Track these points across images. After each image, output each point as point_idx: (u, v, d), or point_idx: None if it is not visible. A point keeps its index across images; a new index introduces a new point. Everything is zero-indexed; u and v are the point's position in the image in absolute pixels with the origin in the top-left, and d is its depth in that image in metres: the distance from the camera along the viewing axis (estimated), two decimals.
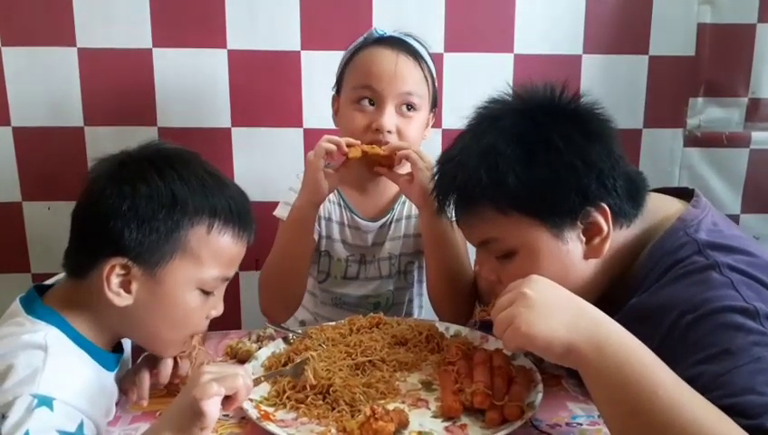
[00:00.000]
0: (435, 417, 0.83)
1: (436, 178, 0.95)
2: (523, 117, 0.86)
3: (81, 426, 0.71)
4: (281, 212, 1.22)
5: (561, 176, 0.82)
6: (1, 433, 0.65)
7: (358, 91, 1.17)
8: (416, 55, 1.19)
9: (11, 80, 1.47)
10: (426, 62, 1.21)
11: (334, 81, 1.27)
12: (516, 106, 0.90)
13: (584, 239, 0.85)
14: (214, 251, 0.81)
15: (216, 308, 0.86)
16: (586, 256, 0.85)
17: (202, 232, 0.80)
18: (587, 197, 0.82)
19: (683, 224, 0.85)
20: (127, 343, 0.93)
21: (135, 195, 0.77)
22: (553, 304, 0.72)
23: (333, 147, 1.08)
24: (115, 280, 0.77)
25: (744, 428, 0.61)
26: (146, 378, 0.87)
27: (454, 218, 0.99)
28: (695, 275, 0.78)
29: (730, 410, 0.63)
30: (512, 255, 0.86)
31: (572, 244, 0.84)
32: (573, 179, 0.82)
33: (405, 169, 1.14)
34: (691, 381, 0.65)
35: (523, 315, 0.70)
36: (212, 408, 0.66)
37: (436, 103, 1.26)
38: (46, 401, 0.69)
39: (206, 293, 0.83)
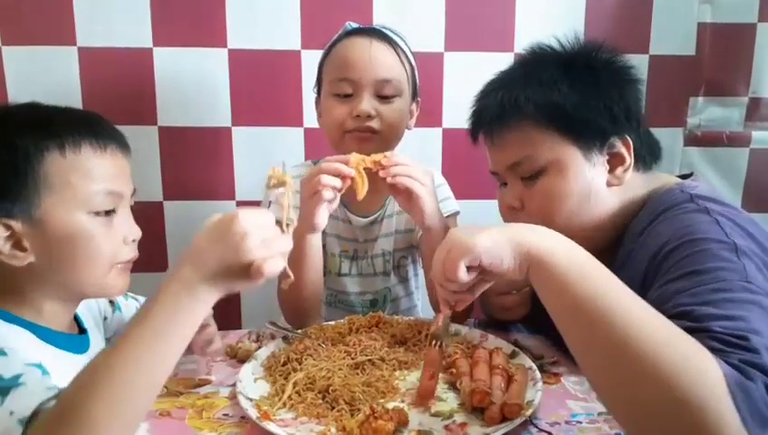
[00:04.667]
0: (434, 416, 0.83)
1: (476, 100, 0.99)
2: (572, 51, 0.95)
3: (17, 377, 0.66)
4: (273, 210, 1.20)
5: (598, 96, 0.90)
6: None
7: (335, 84, 1.17)
8: (389, 41, 1.19)
9: (11, 79, 1.48)
10: (401, 49, 1.20)
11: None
12: (564, 46, 0.96)
13: (608, 167, 0.91)
14: (79, 170, 0.77)
15: (131, 230, 0.82)
16: (609, 183, 0.92)
17: (56, 158, 0.76)
18: (616, 124, 0.90)
19: (680, 186, 0.91)
20: (96, 323, 0.92)
21: None
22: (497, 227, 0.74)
23: (332, 195, 1.00)
24: (4, 244, 0.74)
25: (688, 329, 0.61)
26: None
27: (457, 208, 1.03)
28: (684, 215, 0.82)
29: (680, 315, 0.64)
30: (540, 174, 0.92)
31: (597, 169, 0.91)
32: (607, 104, 0.90)
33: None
34: (656, 299, 0.67)
35: (472, 236, 0.71)
36: (274, 271, 0.64)
37: (416, 93, 1.25)
38: None
39: (102, 214, 0.79)
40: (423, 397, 0.85)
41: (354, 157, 1.01)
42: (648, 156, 0.95)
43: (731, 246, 0.73)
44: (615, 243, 0.93)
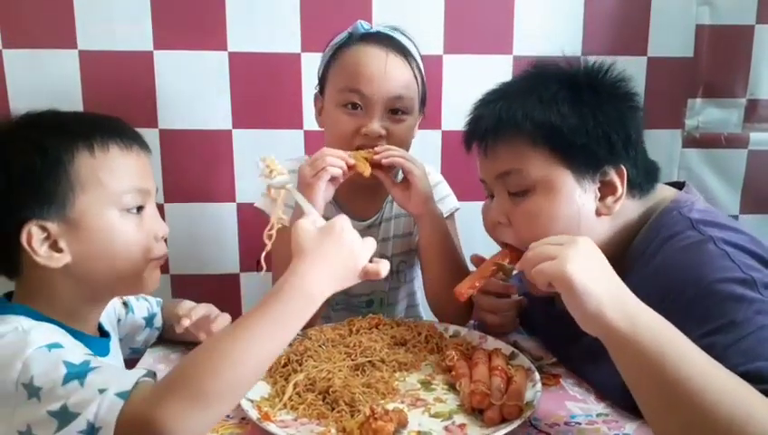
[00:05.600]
0: (434, 417, 0.83)
1: (473, 109, 0.97)
2: (575, 70, 0.93)
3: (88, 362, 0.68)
4: (264, 205, 1.20)
5: (598, 122, 0.87)
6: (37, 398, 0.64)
7: (345, 94, 1.12)
8: (405, 53, 1.14)
9: (12, 82, 1.48)
10: (415, 60, 1.16)
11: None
12: (568, 64, 0.95)
13: (599, 195, 0.89)
14: (108, 168, 0.79)
15: (160, 227, 0.85)
16: (598, 213, 0.89)
17: (86, 158, 0.78)
18: (612, 153, 0.88)
19: (676, 205, 0.89)
20: (112, 326, 0.94)
21: (3, 168, 0.75)
22: (599, 261, 0.73)
23: (339, 171, 1.02)
24: (41, 247, 0.75)
25: (764, 392, 0.62)
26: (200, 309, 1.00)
27: (456, 205, 1.07)
28: (692, 248, 0.81)
29: (746, 377, 0.64)
30: (528, 192, 0.89)
31: (588, 196, 0.89)
32: (606, 130, 0.87)
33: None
34: None
35: (572, 256, 0.70)
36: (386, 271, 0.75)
37: (424, 102, 1.21)
38: (55, 345, 0.68)
39: (133, 211, 0.81)
40: (459, 295, 0.91)
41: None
42: (644, 183, 0.92)
43: (750, 283, 0.74)
44: (612, 262, 0.92)
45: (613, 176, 0.88)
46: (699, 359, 0.65)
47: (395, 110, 1.12)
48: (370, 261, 0.76)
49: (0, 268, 0.80)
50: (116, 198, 0.79)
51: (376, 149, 1.07)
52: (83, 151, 0.78)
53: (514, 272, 0.99)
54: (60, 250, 0.76)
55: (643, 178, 0.91)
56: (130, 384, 0.64)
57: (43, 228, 0.75)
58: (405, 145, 1.15)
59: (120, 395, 0.63)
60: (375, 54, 1.12)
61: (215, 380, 0.63)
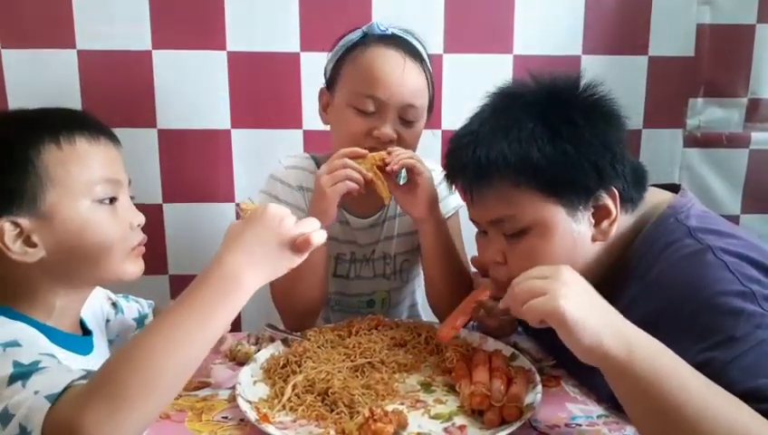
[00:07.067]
0: (434, 418, 0.83)
1: (450, 152, 0.94)
2: (546, 96, 0.88)
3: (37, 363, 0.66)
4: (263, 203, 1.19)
5: (581, 153, 0.84)
6: None
7: (359, 98, 1.10)
8: (420, 59, 1.14)
9: (11, 82, 1.48)
10: (427, 65, 1.16)
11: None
12: (537, 88, 0.90)
13: (593, 222, 0.87)
14: (76, 160, 0.78)
15: (135, 216, 0.84)
16: (594, 239, 0.88)
17: (53, 152, 0.77)
18: (602, 178, 0.85)
19: (673, 211, 0.88)
20: (98, 326, 0.93)
21: None
22: (587, 290, 0.71)
23: (356, 186, 1.02)
24: (14, 243, 0.75)
25: (765, 411, 0.62)
26: None
27: (459, 203, 1.04)
28: (690, 259, 0.80)
29: (746, 396, 0.64)
30: (523, 233, 0.87)
31: (583, 225, 0.86)
32: (592, 158, 0.84)
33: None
34: (699, 370, 0.66)
35: (562, 289, 0.68)
36: (320, 240, 0.70)
37: (432, 105, 1.21)
38: (11, 344, 0.67)
39: (105, 202, 0.80)
40: (442, 338, 0.90)
41: (365, 162, 1.03)
42: (635, 195, 0.89)
43: (750, 296, 0.73)
44: (608, 272, 0.90)
45: (606, 199, 0.86)
46: (696, 383, 0.64)
47: (408, 118, 1.12)
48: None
49: None
50: (86, 190, 0.78)
51: (388, 150, 1.06)
52: (50, 145, 0.77)
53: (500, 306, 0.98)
54: (33, 245, 0.76)
55: (633, 189, 0.89)
56: (61, 386, 0.61)
57: (15, 224, 0.75)
58: (413, 149, 1.15)
59: (48, 398, 0.60)
60: (393, 58, 1.11)
61: (136, 376, 0.60)
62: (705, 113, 1.67)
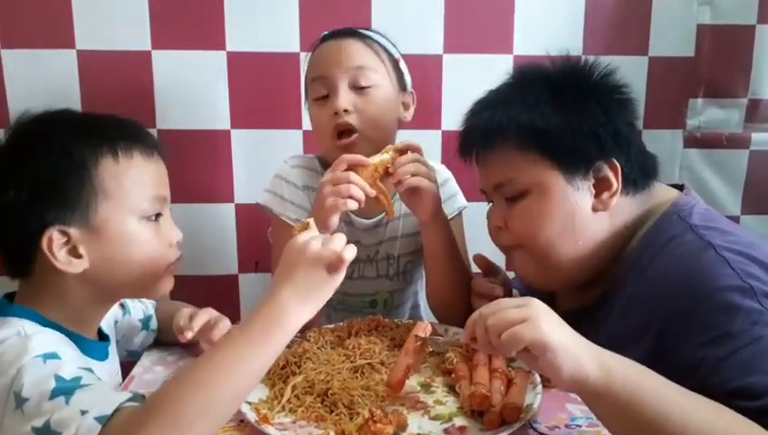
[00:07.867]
0: (433, 419, 0.83)
1: (466, 117, 0.97)
2: (561, 72, 0.92)
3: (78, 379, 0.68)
4: (268, 203, 1.19)
5: (583, 121, 0.87)
6: (24, 411, 0.63)
7: (312, 88, 1.15)
8: (363, 37, 1.15)
9: (10, 82, 1.48)
10: (377, 42, 1.16)
11: None
12: (554, 67, 0.94)
13: (594, 192, 0.89)
14: (132, 176, 0.79)
15: (176, 233, 0.86)
16: (594, 208, 0.89)
17: (110, 165, 0.78)
18: (602, 149, 0.87)
19: (676, 208, 0.89)
20: (110, 329, 0.93)
21: (28, 169, 0.75)
22: (561, 320, 0.70)
23: (356, 205, 1.01)
24: (60, 251, 0.75)
25: (755, 409, 0.62)
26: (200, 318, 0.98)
27: (463, 204, 1.09)
28: (691, 254, 0.81)
29: (737, 393, 0.64)
30: (522, 196, 0.90)
31: (582, 193, 0.89)
32: (593, 127, 0.87)
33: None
34: (695, 365, 0.67)
35: (541, 316, 0.67)
36: (351, 255, 0.73)
37: (405, 84, 1.20)
38: (51, 356, 0.68)
39: (151, 219, 0.81)
40: (394, 388, 0.85)
41: (367, 171, 1.02)
42: (639, 178, 0.91)
43: (749, 292, 0.73)
44: (608, 267, 0.91)
45: (607, 171, 0.88)
46: (676, 396, 0.64)
47: (360, 84, 1.12)
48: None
49: (9, 268, 0.80)
50: (137, 206, 0.79)
51: (389, 169, 1.04)
52: (107, 157, 0.78)
53: (450, 332, 1.02)
54: (79, 256, 0.76)
55: (638, 172, 0.91)
56: (111, 409, 0.62)
57: (64, 233, 0.75)
58: (378, 123, 1.13)
59: (98, 419, 0.61)
60: (332, 43, 1.16)
61: (194, 402, 0.61)
62: (706, 114, 1.67)
